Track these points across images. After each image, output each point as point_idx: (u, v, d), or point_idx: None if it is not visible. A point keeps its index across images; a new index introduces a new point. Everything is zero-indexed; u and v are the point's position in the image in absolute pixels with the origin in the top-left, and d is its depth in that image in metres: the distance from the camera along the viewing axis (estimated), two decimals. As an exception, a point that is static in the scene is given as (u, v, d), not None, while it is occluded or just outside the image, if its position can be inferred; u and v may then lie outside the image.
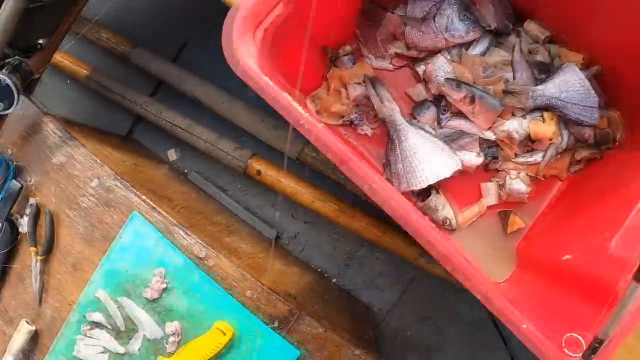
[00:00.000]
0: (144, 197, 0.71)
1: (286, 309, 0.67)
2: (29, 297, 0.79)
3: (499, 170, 0.73)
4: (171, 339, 0.69)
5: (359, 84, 0.72)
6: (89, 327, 0.73)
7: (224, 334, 0.66)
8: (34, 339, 0.80)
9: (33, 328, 0.79)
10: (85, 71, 1.05)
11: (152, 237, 0.69)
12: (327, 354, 0.68)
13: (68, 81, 1.12)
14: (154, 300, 0.69)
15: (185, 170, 1.09)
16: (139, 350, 0.71)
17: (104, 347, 0.73)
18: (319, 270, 1.02)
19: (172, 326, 0.69)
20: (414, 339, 0.97)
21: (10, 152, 0.80)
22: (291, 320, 0.68)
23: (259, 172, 0.88)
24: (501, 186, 0.72)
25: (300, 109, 0.44)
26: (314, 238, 0.97)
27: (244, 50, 0.44)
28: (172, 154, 1.10)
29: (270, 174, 0.89)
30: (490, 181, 0.73)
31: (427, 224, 0.47)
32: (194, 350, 0.67)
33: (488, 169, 0.73)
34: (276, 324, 0.67)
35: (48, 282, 0.78)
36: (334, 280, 1.01)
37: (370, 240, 0.89)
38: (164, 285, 0.68)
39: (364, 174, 0.46)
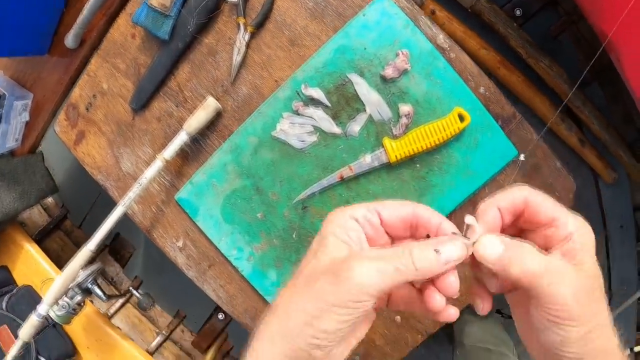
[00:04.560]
0: (392, -21, 0.70)
1: (511, 111, 0.72)
2: (220, 74, 0.75)
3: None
4: (402, 120, 0.70)
5: None
6: (302, 103, 0.71)
7: (462, 120, 0.69)
8: (215, 120, 0.76)
9: (220, 106, 0.74)
10: None
11: (400, 19, 0.69)
12: (535, 161, 0.74)
13: None
14: (391, 81, 0.70)
15: None
16: (359, 131, 0.71)
17: (316, 127, 0.72)
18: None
19: (405, 108, 0.69)
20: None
21: None
22: (512, 123, 0.72)
23: (433, 12, 0.90)
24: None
25: None
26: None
27: None
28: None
29: (444, 15, 0.91)
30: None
31: None
32: (426, 133, 0.69)
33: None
34: (499, 123, 0.72)
35: (251, 57, 0.74)
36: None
37: (520, 97, 0.96)
38: (407, 66, 0.69)
39: None
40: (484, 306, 0.37)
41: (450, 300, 0.35)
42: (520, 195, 0.35)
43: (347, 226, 0.35)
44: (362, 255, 0.33)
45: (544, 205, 0.34)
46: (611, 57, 0.80)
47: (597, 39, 0.84)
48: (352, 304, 0.31)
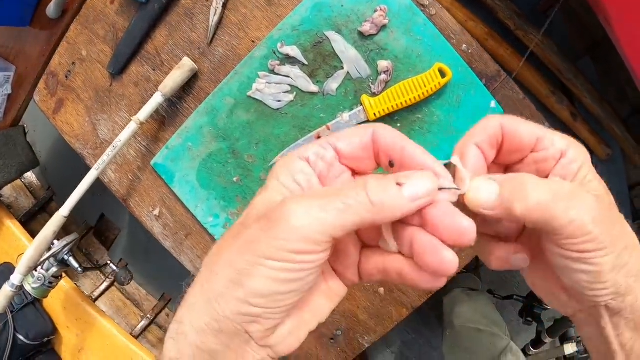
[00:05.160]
0: None
1: (495, 69, 0.70)
2: (196, 35, 0.73)
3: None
4: (381, 77, 0.68)
5: None
6: (278, 62, 0.69)
7: (443, 76, 0.66)
8: (191, 83, 0.74)
9: (195, 66, 0.73)
10: None
11: (378, -26, 0.67)
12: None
13: None
14: (369, 37, 0.68)
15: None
16: (336, 89, 0.69)
17: (292, 86, 0.70)
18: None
19: (384, 63, 0.67)
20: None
21: None
22: (497, 82, 0.70)
23: (420, -17, 0.89)
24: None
25: None
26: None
27: None
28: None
29: (431, -14, 0.90)
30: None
31: None
32: (406, 89, 0.67)
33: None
34: (483, 82, 0.69)
35: (228, 18, 0.72)
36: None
37: (508, 70, 0.94)
38: (385, 22, 0.67)
39: None
40: (525, 257, 0.30)
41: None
42: (494, 124, 0.30)
43: (294, 168, 0.28)
44: (303, 194, 0.27)
45: (523, 126, 0.29)
46: (600, 19, 0.78)
47: (587, 12, 0.82)
48: (289, 254, 0.24)
